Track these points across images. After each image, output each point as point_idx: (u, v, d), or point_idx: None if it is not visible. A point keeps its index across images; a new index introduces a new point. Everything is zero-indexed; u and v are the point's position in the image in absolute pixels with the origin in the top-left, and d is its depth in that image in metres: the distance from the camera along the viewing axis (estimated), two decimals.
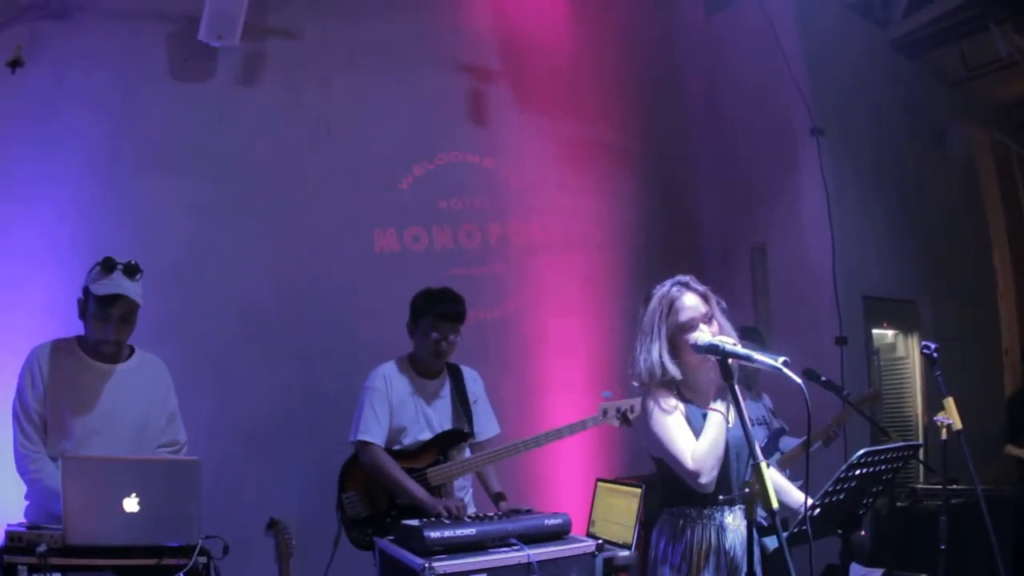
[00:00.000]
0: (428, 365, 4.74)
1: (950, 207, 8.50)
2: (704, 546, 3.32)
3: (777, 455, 5.61)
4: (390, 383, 4.66)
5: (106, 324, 3.84)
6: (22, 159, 5.25)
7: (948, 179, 8.53)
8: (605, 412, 4.47)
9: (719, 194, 7.90)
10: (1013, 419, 7.42)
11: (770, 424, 5.72)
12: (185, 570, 3.16)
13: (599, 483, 5.44)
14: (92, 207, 5.37)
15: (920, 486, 6.69)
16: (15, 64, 5.23)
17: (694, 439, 3.29)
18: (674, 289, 3.45)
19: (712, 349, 3.12)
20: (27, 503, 3.89)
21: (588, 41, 7.50)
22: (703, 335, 3.25)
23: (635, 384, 3.50)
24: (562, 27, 7.41)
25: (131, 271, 3.87)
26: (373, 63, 6.47)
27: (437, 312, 4.63)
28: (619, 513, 5.06)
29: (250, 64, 6.00)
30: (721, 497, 3.34)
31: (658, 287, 3.52)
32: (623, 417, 4.38)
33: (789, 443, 5.78)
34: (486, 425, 4.89)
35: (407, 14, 6.64)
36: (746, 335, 5.62)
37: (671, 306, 3.40)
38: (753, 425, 5.47)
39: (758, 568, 3.38)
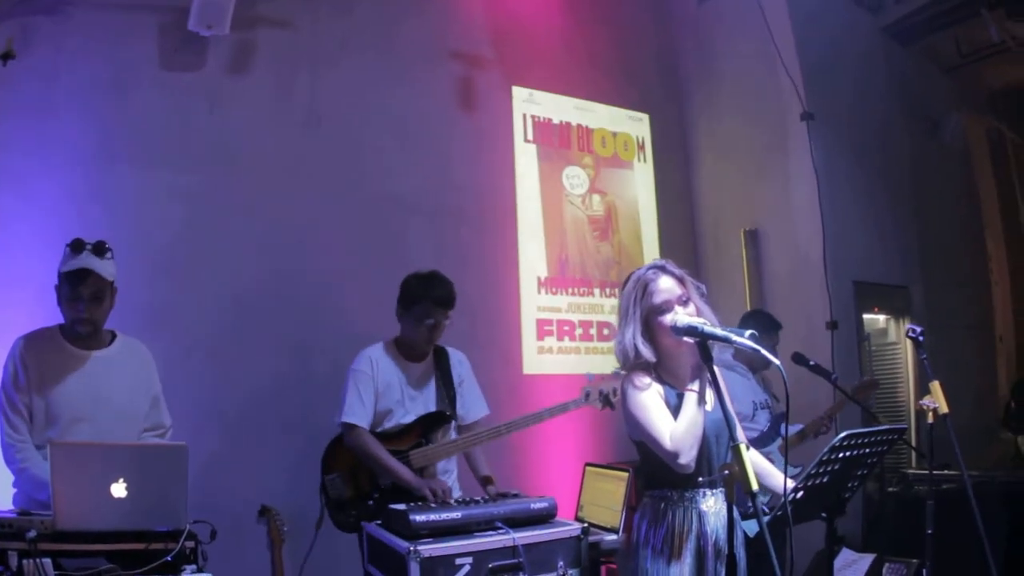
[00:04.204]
0: (416, 349, 4.75)
1: (943, 192, 8.51)
2: (685, 529, 3.33)
3: (779, 440, 5.64)
4: (376, 365, 4.68)
5: (77, 303, 3.88)
6: (14, 151, 5.23)
7: (941, 164, 8.54)
8: (588, 395, 4.49)
9: (711, 179, 7.92)
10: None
11: (773, 409, 5.75)
12: (172, 554, 3.18)
13: (587, 467, 5.47)
14: (85, 197, 5.36)
15: (911, 471, 6.70)
16: (6, 57, 5.22)
17: (672, 419, 3.31)
18: (649, 272, 3.46)
19: (690, 331, 3.14)
20: (15, 491, 3.94)
21: (580, 27, 7.53)
22: (681, 316, 3.26)
23: (617, 370, 3.53)
24: (554, 14, 7.44)
25: (99, 250, 3.92)
26: (365, 51, 6.48)
27: (432, 298, 4.62)
28: (607, 497, 5.10)
29: (241, 54, 5.99)
30: (701, 479, 3.35)
31: (635, 271, 3.54)
32: (605, 399, 4.41)
33: (791, 429, 5.82)
34: (473, 407, 4.90)
35: (398, 2, 6.65)
36: (753, 318, 5.75)
37: (645, 288, 3.41)
38: (758, 409, 5.52)
39: (741, 551, 3.42)
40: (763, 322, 5.78)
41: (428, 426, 4.70)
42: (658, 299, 3.37)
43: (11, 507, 3.80)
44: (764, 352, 3.01)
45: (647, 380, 3.40)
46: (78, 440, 3.78)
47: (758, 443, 5.42)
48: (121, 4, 5.66)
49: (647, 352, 3.37)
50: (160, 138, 5.68)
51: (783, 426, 5.58)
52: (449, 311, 4.70)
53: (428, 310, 4.62)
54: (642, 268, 3.51)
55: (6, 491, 3.97)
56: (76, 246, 3.91)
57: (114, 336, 4.15)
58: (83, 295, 3.89)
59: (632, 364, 3.42)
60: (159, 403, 4.24)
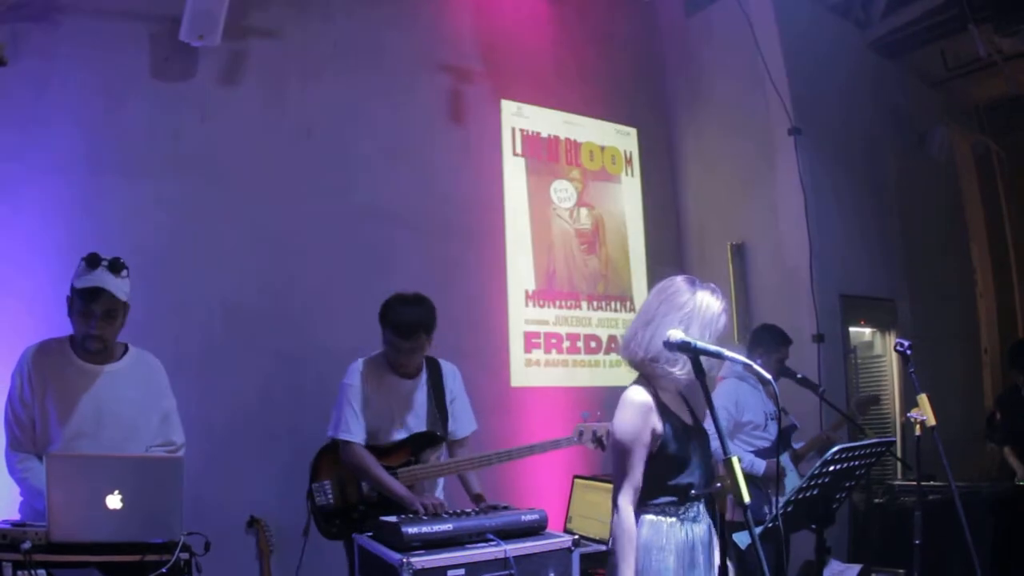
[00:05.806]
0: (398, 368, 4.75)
1: (929, 206, 8.57)
2: (677, 541, 3.35)
3: (788, 452, 5.71)
4: (366, 379, 4.66)
5: (89, 319, 3.83)
6: (4, 159, 5.22)
7: (928, 178, 8.59)
8: (580, 434, 4.48)
9: (698, 193, 7.96)
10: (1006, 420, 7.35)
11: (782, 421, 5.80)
12: (167, 566, 3.18)
13: (576, 480, 5.49)
14: (74, 206, 5.33)
15: (897, 482, 6.75)
16: None
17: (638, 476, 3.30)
18: (720, 304, 3.45)
19: (683, 346, 3.14)
20: (21, 499, 3.92)
21: (568, 41, 7.55)
22: (676, 333, 3.25)
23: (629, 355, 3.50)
24: (542, 26, 7.46)
25: (116, 267, 3.85)
26: (354, 63, 6.48)
27: (391, 325, 4.58)
28: (596, 509, 5.12)
29: (231, 64, 5.99)
30: (694, 492, 3.36)
31: (694, 283, 3.50)
32: (598, 441, 4.39)
33: (795, 445, 5.88)
34: (463, 423, 4.87)
35: (388, 14, 6.67)
36: (765, 332, 5.82)
37: (711, 315, 3.40)
38: (769, 420, 5.58)
39: (730, 563, 3.44)
40: (773, 336, 5.84)
41: (420, 446, 4.69)
42: (709, 331, 3.37)
43: (18, 516, 3.80)
44: (755, 367, 3.05)
45: (647, 404, 3.38)
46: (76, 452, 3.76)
47: (769, 453, 5.47)
48: (112, 13, 5.64)
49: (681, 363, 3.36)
50: (150, 147, 5.66)
51: (790, 437, 5.71)
52: (414, 338, 4.59)
53: (389, 337, 4.60)
54: (705, 288, 3.47)
55: (14, 499, 3.97)
56: (92, 261, 3.84)
57: (126, 349, 4.11)
58: (95, 312, 3.83)
59: (637, 363, 3.43)
60: (170, 418, 4.18)
